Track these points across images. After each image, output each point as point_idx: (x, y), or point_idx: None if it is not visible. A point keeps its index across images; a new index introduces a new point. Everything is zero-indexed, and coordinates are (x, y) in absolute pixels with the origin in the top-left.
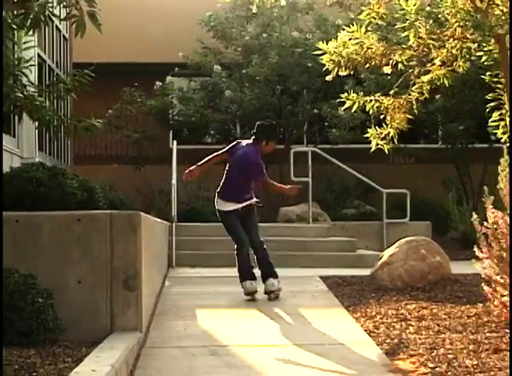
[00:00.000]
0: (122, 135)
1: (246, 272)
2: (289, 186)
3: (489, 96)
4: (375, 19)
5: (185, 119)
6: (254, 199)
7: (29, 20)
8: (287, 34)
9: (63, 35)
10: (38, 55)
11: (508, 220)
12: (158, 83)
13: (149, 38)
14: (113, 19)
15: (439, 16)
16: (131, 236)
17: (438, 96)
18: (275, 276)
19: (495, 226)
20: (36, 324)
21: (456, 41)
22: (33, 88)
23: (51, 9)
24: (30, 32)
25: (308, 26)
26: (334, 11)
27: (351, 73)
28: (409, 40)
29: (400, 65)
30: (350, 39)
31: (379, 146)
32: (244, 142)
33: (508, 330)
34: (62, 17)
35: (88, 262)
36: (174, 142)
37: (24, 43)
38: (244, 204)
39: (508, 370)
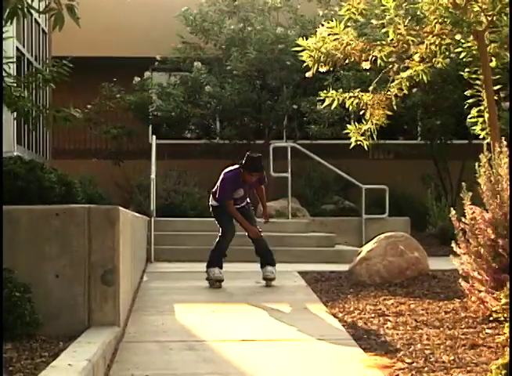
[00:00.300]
0: (101, 131)
1: (219, 259)
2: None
3: (468, 93)
4: (355, 14)
5: (165, 114)
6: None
7: (6, 12)
8: (268, 30)
9: (42, 29)
10: (17, 48)
11: (487, 216)
12: (137, 78)
13: (129, 32)
14: (93, 13)
15: (418, 12)
16: (110, 230)
17: (415, 90)
18: (274, 263)
19: (473, 222)
20: (13, 318)
21: (434, 38)
22: (11, 79)
23: (29, 2)
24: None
25: (287, 22)
26: (313, 6)
27: (331, 69)
28: (388, 36)
29: (379, 61)
30: (329, 35)
31: (358, 142)
32: (234, 167)
33: (485, 326)
34: (40, 10)
35: (66, 257)
36: (154, 137)
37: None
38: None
39: (484, 366)
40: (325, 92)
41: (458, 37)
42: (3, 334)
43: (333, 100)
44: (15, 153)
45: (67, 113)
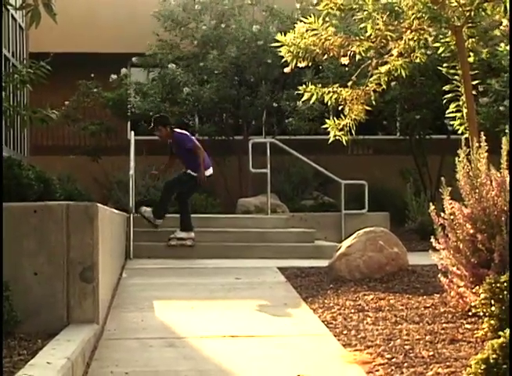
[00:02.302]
0: (79, 127)
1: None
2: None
3: (446, 88)
4: (333, 9)
5: (143, 112)
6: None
7: None
8: (245, 27)
9: (19, 25)
10: None
11: (466, 211)
12: (113, 76)
13: (107, 29)
14: (71, 9)
15: (396, 7)
16: (88, 227)
17: (393, 83)
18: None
19: (452, 217)
20: None
21: (413, 33)
22: None
23: None
24: None
25: (264, 18)
26: (289, 1)
27: (309, 64)
28: (366, 31)
29: (358, 56)
30: (307, 31)
31: (337, 137)
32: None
33: (464, 321)
34: (17, 7)
35: (45, 254)
36: (132, 133)
37: None
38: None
39: (464, 361)
40: (304, 86)
41: (435, 32)
42: None
43: (312, 95)
44: None
45: (44, 114)
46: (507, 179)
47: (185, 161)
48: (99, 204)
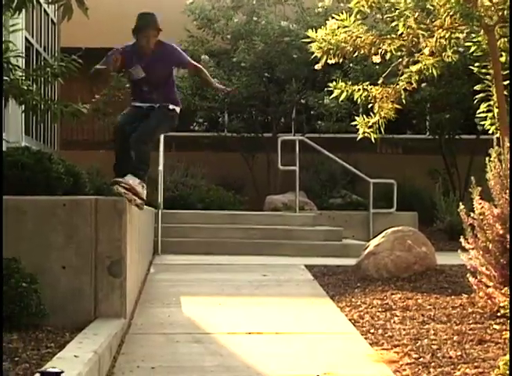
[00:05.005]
0: (109, 121)
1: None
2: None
3: (477, 87)
4: (364, 7)
5: None
6: None
7: (15, 1)
8: (274, 23)
9: (51, 19)
10: (26, 38)
11: (496, 211)
12: None
13: None
14: (103, 4)
15: (428, 5)
16: (117, 222)
17: (423, 85)
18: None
19: (481, 217)
20: (19, 309)
21: (444, 31)
22: (20, 71)
23: None
24: (17, 15)
25: (294, 15)
26: None
27: (339, 62)
28: (398, 30)
29: (389, 54)
30: (338, 27)
31: (366, 135)
32: None
33: (492, 322)
34: (49, 1)
35: (73, 248)
36: None
37: (12, 26)
38: None
39: (492, 361)
40: (334, 83)
41: (467, 31)
42: (8, 325)
43: (342, 92)
44: (23, 144)
45: (75, 108)
46: None
47: (167, 90)
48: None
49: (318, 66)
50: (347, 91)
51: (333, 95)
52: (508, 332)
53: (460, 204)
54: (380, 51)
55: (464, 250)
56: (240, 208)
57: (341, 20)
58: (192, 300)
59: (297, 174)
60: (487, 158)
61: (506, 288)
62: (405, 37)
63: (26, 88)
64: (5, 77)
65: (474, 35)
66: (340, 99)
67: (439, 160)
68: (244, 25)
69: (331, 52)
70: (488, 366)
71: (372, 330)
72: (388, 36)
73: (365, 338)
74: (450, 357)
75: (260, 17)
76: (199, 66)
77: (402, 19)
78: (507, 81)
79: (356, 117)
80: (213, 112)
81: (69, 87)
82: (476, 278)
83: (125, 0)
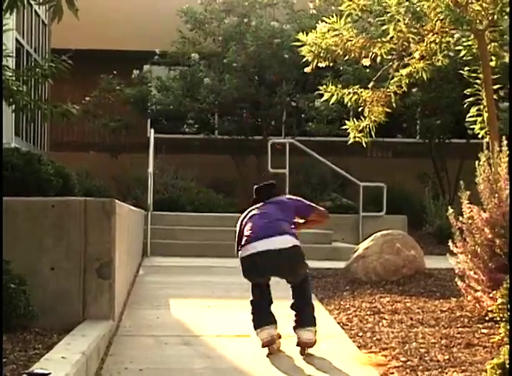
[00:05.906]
0: (99, 123)
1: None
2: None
3: (467, 91)
4: (355, 10)
5: (163, 108)
6: None
7: (6, 1)
8: (265, 24)
9: (42, 20)
10: (16, 39)
11: (484, 215)
12: (136, 72)
13: (129, 26)
14: (93, 6)
15: (418, 10)
16: (106, 223)
17: (415, 90)
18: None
19: (470, 221)
20: (8, 310)
21: (435, 36)
22: (9, 72)
23: None
24: (8, 15)
25: (284, 17)
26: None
27: (330, 65)
28: (388, 33)
29: (379, 58)
30: (329, 31)
31: (356, 139)
32: None
33: (480, 326)
34: (40, 1)
35: (62, 249)
36: (152, 130)
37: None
38: None
39: (479, 365)
40: (324, 86)
41: (458, 35)
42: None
43: (332, 95)
44: (12, 145)
45: (64, 109)
46: None
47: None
48: (116, 201)
49: (308, 70)
50: (337, 94)
51: (324, 99)
52: (497, 336)
53: (449, 207)
54: (370, 54)
55: (453, 254)
56: (230, 211)
57: (331, 23)
58: (182, 302)
59: (287, 177)
60: (476, 162)
61: (494, 292)
62: (396, 41)
63: (16, 88)
64: None
65: (464, 39)
66: (331, 102)
67: (429, 164)
68: (235, 27)
69: (321, 55)
70: (475, 369)
71: (360, 334)
72: (379, 39)
73: (354, 341)
74: (438, 361)
75: (250, 18)
76: None
77: (392, 23)
78: (497, 86)
79: (347, 121)
80: (203, 114)
81: (59, 88)
82: (464, 282)
83: (117, 2)
